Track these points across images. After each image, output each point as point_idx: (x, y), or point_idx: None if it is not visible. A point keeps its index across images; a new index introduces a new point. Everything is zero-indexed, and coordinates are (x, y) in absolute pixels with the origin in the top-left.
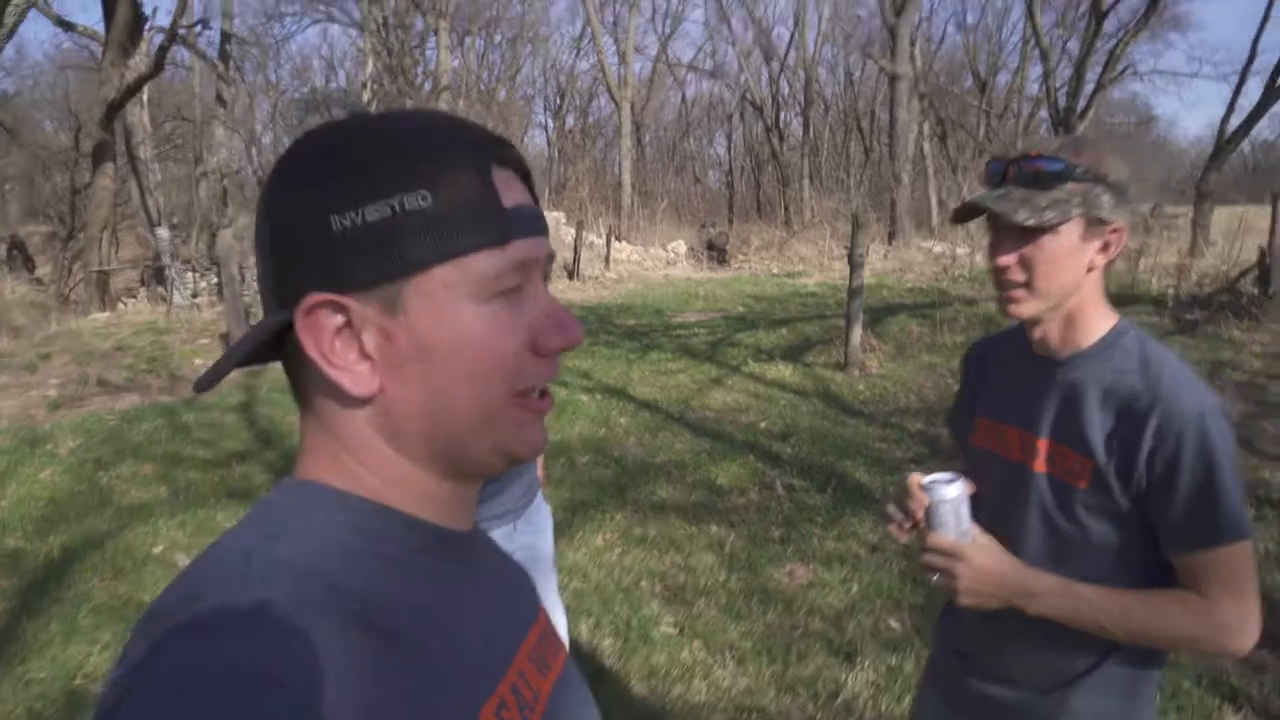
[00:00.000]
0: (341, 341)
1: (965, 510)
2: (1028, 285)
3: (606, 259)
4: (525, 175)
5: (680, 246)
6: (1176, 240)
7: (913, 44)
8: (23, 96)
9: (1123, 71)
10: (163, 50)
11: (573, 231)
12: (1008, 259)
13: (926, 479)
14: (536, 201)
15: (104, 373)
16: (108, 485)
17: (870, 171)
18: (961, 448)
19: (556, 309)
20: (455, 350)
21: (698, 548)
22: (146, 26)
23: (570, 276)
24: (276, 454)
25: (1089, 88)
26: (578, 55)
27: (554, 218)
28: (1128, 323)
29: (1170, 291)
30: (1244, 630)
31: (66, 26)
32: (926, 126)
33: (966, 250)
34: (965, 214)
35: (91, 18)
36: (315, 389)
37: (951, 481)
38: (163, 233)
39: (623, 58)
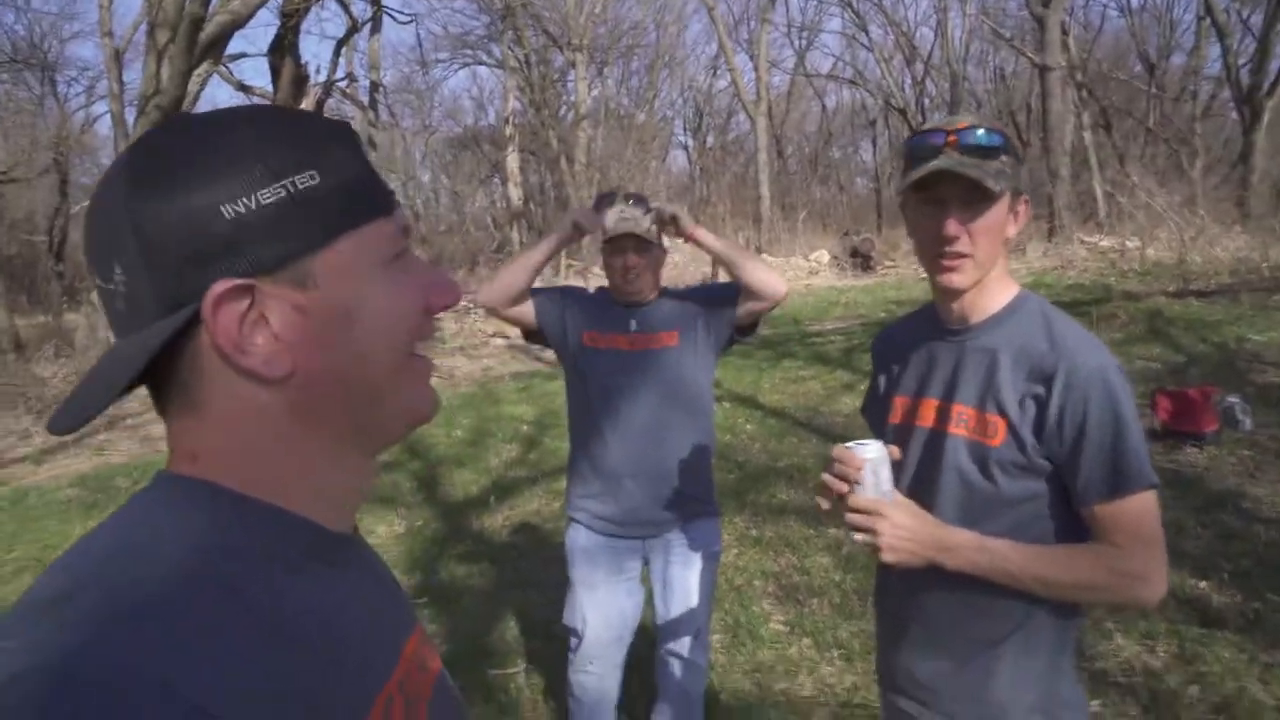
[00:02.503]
0: (248, 326)
1: (886, 472)
2: (971, 256)
3: None
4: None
5: (823, 256)
6: None
7: (1066, 33)
8: None
9: None
10: (320, 104)
11: None
12: (958, 229)
13: (848, 444)
14: None
15: None
16: None
17: (1028, 167)
18: (879, 433)
19: (438, 271)
20: (371, 315)
21: (814, 549)
22: (310, 84)
23: None
24: (421, 464)
25: (1277, 62)
26: (714, 74)
27: None
28: (1028, 291)
29: None
30: (1153, 578)
31: (245, 90)
32: (1086, 117)
33: (1136, 244)
34: (919, 181)
35: (266, 80)
36: (211, 387)
37: (869, 445)
38: None
39: (757, 74)
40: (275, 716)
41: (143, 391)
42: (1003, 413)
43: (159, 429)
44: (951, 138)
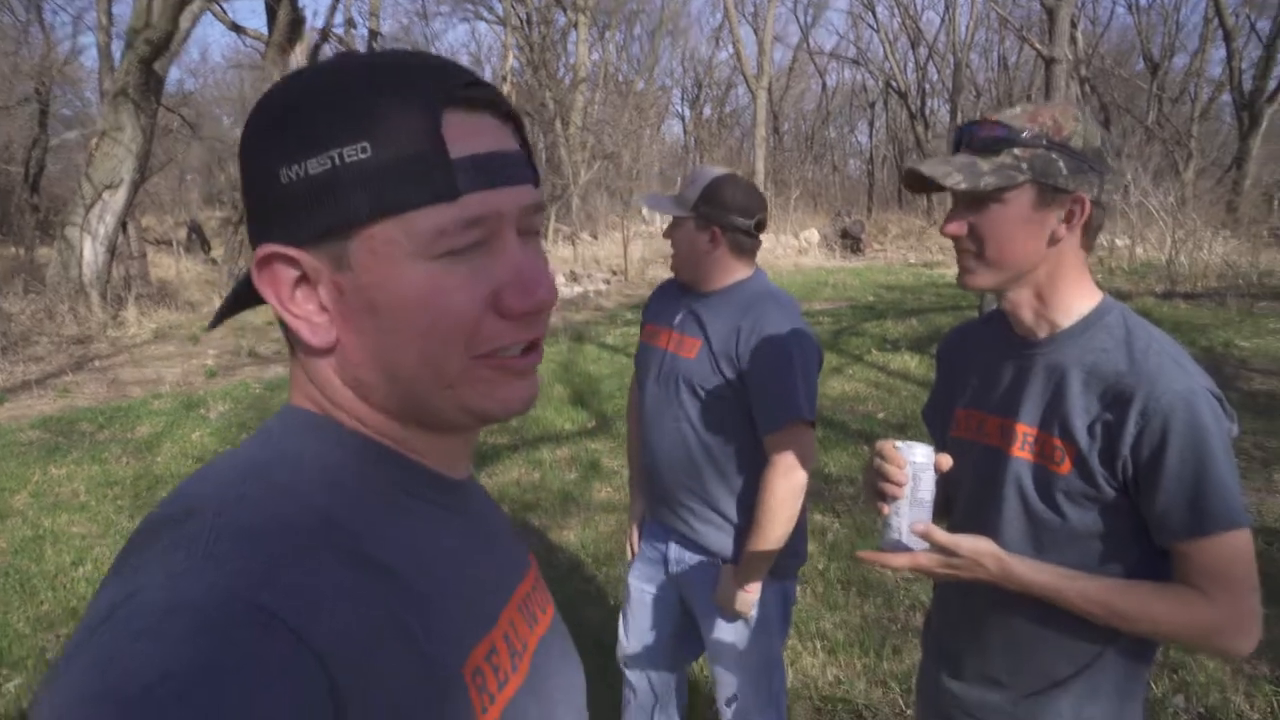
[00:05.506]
0: (302, 293)
1: (927, 481)
2: (979, 255)
3: None
4: (508, 115)
5: (813, 235)
6: None
7: (1074, 25)
8: (203, 94)
9: None
10: (316, 49)
11: None
12: (956, 227)
13: (897, 442)
14: (527, 146)
15: (256, 345)
16: None
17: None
18: (940, 442)
19: (527, 267)
20: (401, 309)
21: None
22: (306, 28)
23: None
24: None
25: None
26: (717, 46)
27: None
28: (1112, 300)
29: None
30: (1239, 630)
31: (238, 30)
32: (1087, 111)
33: (1126, 242)
34: (912, 182)
35: (261, 22)
36: (293, 335)
37: (916, 447)
38: None
39: (761, 47)
40: (370, 649)
41: (112, 334)
42: (1070, 439)
43: (128, 373)
44: (966, 134)
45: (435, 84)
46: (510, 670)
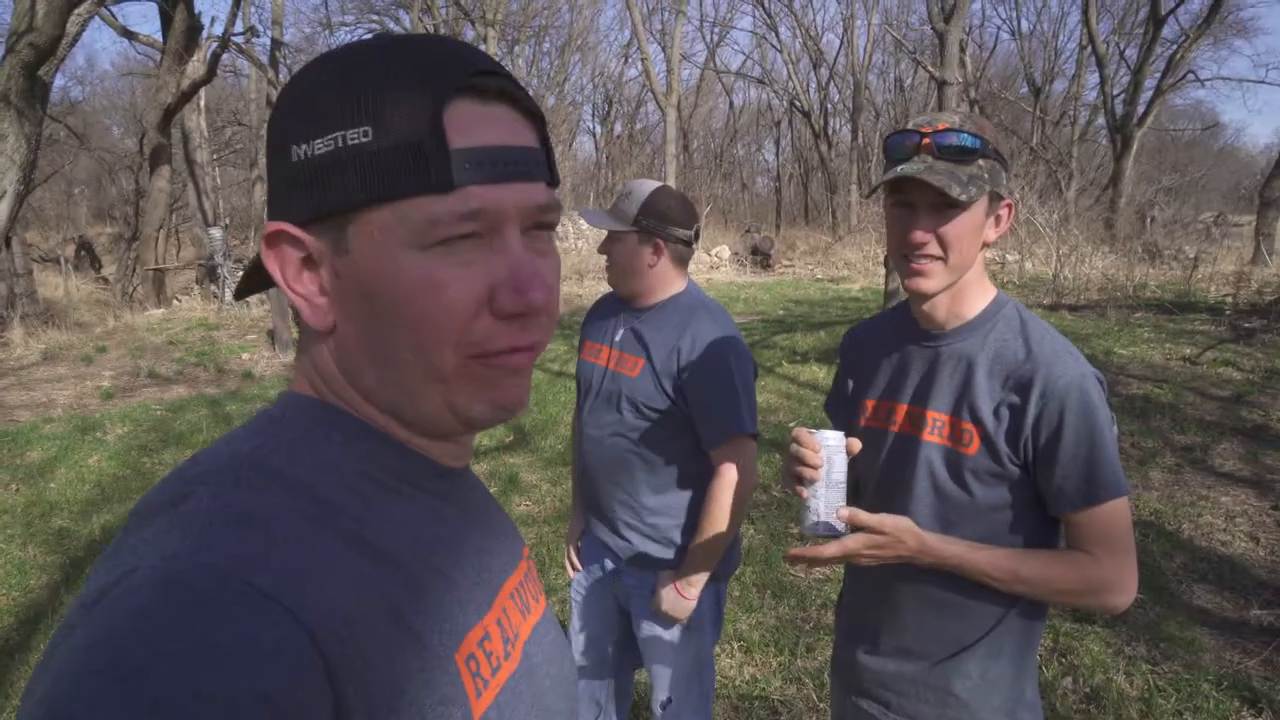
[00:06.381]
0: (308, 273)
1: (840, 463)
2: (942, 260)
3: None
4: (529, 113)
5: (724, 251)
6: (1239, 249)
7: (963, 50)
8: (91, 103)
9: (1183, 78)
10: (215, 57)
11: None
12: (925, 235)
13: (810, 428)
14: (547, 145)
15: (155, 366)
16: (152, 470)
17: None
18: (846, 432)
19: (523, 267)
20: (393, 299)
21: None
22: (203, 35)
23: None
24: None
25: (1148, 94)
26: (626, 62)
27: None
28: (1006, 295)
29: (1229, 299)
30: (1122, 586)
31: (129, 36)
32: None
33: (1016, 258)
34: (882, 186)
35: (154, 28)
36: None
37: (828, 433)
38: (215, 232)
39: (669, 65)
40: (365, 631)
41: None
42: (977, 421)
43: (15, 396)
44: (926, 140)
45: (444, 71)
46: (503, 657)
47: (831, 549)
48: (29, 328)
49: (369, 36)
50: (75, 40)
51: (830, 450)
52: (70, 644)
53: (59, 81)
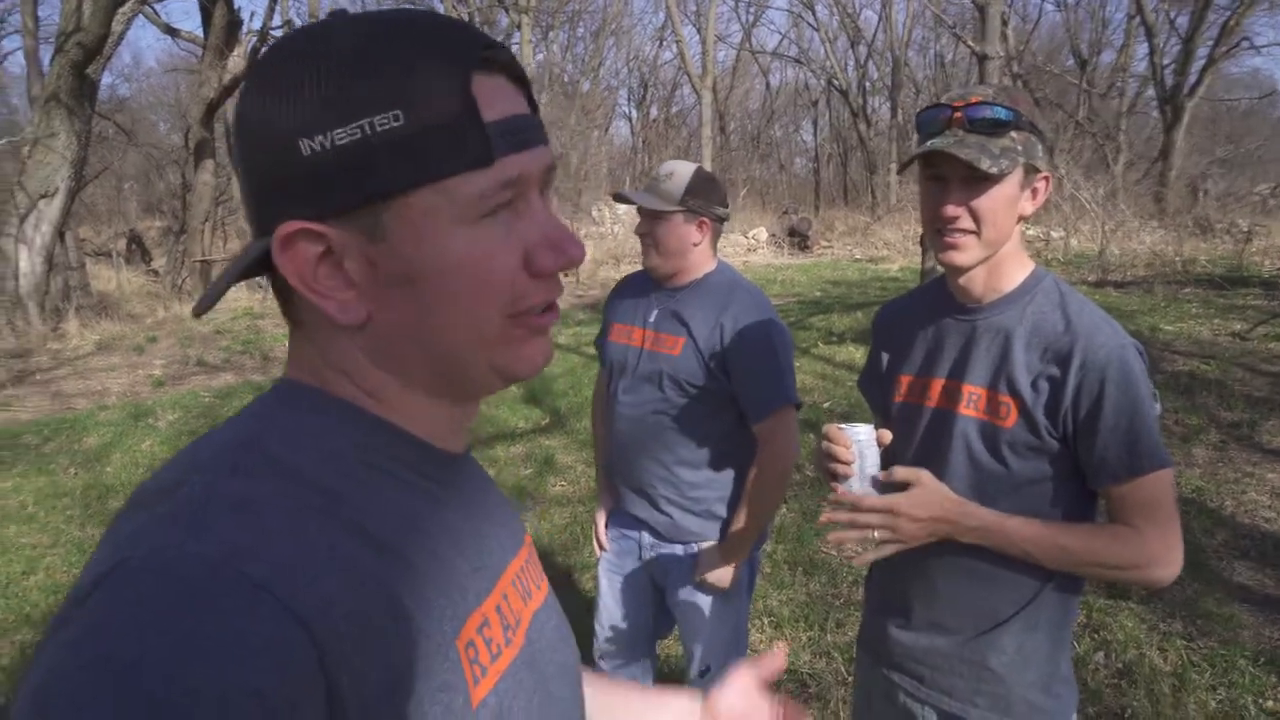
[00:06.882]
0: (325, 269)
1: (872, 456)
2: (975, 233)
3: None
4: (519, 79)
5: (761, 233)
6: None
7: (1005, 23)
8: (138, 100)
9: (1237, 45)
10: (255, 51)
11: None
12: (957, 209)
13: (840, 424)
14: (535, 108)
15: (204, 354)
16: None
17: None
18: (881, 409)
19: (553, 227)
20: (443, 276)
21: None
22: (243, 30)
23: None
24: None
25: (1200, 63)
26: (660, 46)
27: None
28: (1043, 269)
29: None
30: (1167, 559)
31: (172, 33)
32: None
33: (1061, 234)
34: (914, 160)
35: (195, 24)
36: (305, 313)
37: (859, 427)
38: None
39: (704, 47)
40: (361, 621)
41: (53, 346)
42: (1015, 394)
43: (71, 385)
44: (958, 113)
45: (463, 47)
46: (503, 643)
47: (875, 500)
48: (84, 319)
49: (338, 16)
50: (120, 38)
51: (862, 445)
52: (63, 636)
53: (106, 79)
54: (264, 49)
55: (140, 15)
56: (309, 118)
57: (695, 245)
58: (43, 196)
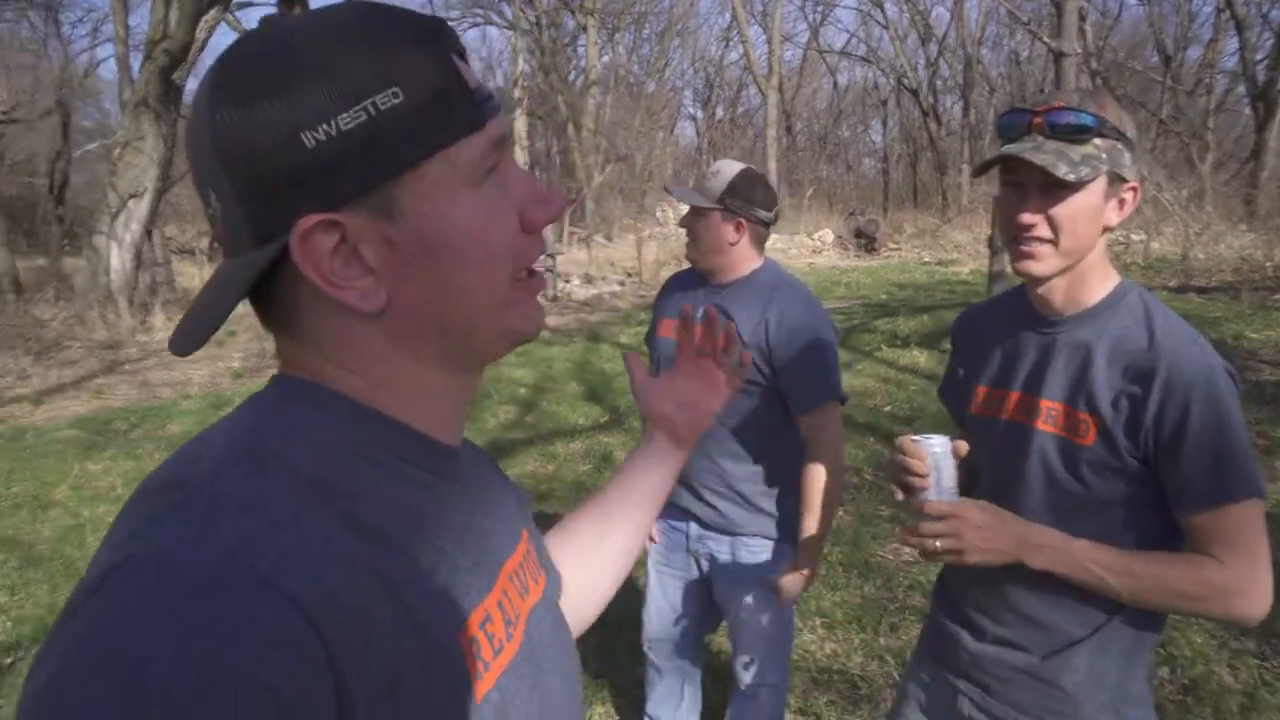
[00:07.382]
0: (340, 260)
1: (949, 469)
2: (1053, 243)
3: None
4: (463, 54)
5: (827, 235)
6: None
7: (1083, 19)
8: None
9: None
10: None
11: None
12: (1033, 216)
13: (915, 436)
14: None
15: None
16: None
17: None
18: (959, 418)
19: (534, 183)
20: (460, 240)
21: None
22: None
23: None
24: None
25: None
26: (726, 46)
27: None
28: (1130, 282)
29: None
30: (1253, 594)
31: None
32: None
33: (1141, 238)
34: (988, 166)
35: None
36: (307, 316)
37: (934, 439)
38: None
39: (770, 46)
40: (365, 615)
41: (141, 339)
42: (1095, 411)
43: (157, 375)
44: (1038, 118)
45: (424, 25)
46: (505, 638)
47: (945, 507)
48: (169, 313)
49: (282, 18)
50: (204, 45)
51: (937, 457)
52: (71, 631)
53: (190, 84)
54: (216, 64)
55: (223, 22)
56: (307, 109)
57: (732, 245)
58: (132, 196)
